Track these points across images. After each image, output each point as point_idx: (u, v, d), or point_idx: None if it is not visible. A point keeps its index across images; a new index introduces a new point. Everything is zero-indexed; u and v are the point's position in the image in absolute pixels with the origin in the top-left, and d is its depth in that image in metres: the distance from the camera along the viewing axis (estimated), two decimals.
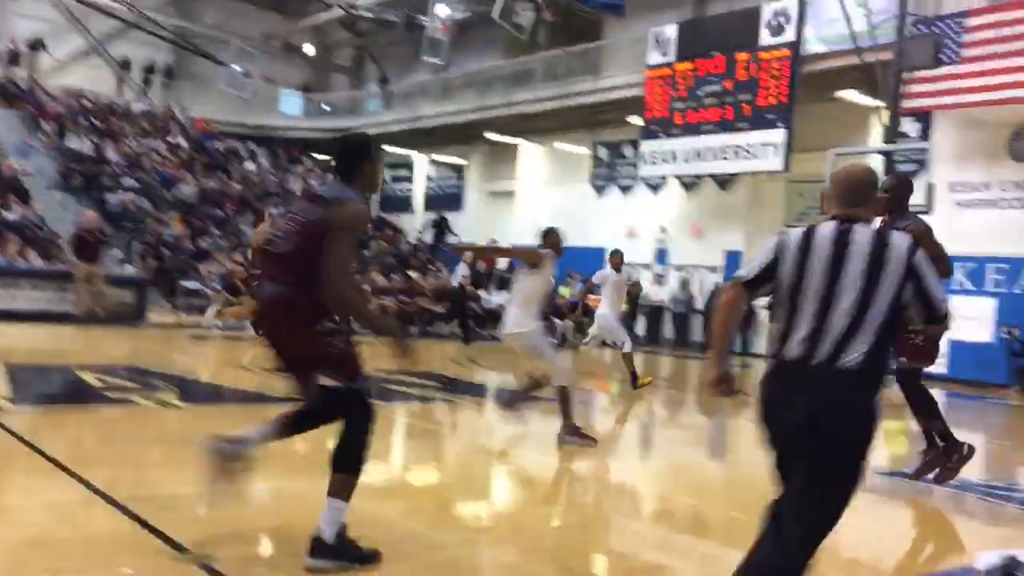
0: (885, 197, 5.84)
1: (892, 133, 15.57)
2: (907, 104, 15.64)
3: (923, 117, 17.08)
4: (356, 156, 3.91)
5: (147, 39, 27.65)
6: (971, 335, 16.49)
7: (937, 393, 15.14)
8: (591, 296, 12.46)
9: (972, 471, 8.04)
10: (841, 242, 2.88)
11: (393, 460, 6.73)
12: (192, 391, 8.99)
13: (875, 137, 17.24)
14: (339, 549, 3.60)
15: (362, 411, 3.73)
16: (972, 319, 16.41)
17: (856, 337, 2.79)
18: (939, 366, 17.03)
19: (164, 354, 12.76)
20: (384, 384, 10.46)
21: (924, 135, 17.02)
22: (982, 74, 14.99)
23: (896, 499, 6.42)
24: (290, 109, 32.61)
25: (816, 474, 2.82)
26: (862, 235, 2.89)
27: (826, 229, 2.95)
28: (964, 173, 16.73)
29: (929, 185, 14.52)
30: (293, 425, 3.93)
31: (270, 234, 3.87)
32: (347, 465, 3.67)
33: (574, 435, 6.97)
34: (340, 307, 3.70)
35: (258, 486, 5.12)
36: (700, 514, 5.58)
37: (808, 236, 2.95)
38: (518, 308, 7.12)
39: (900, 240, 2.89)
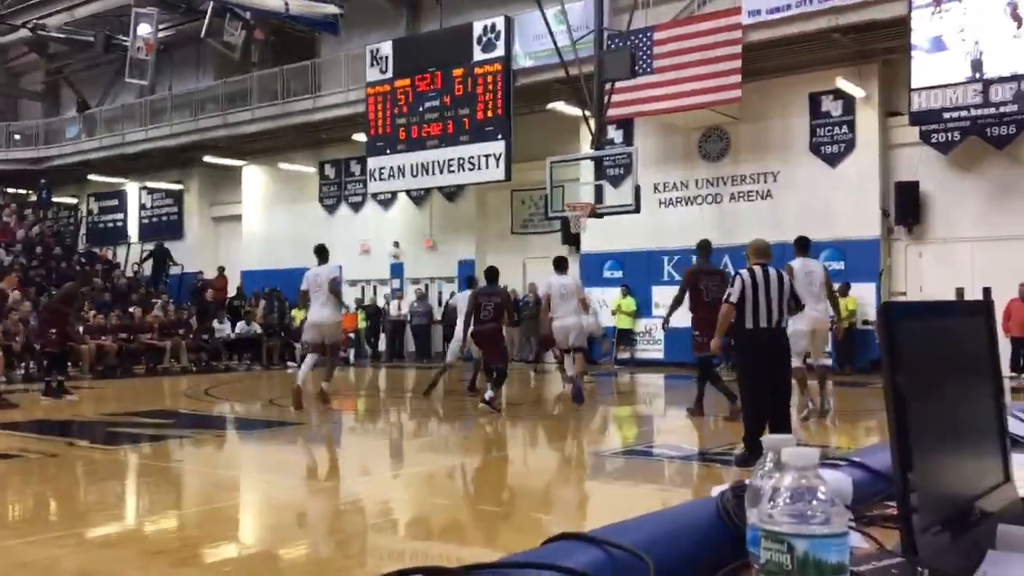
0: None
1: (599, 140, 16.69)
2: (611, 113, 16.84)
3: (626, 124, 18.50)
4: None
5: None
6: (682, 322, 18.01)
7: (656, 376, 16.48)
8: None
9: (694, 441, 8.81)
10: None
11: (129, 503, 6.25)
12: None
13: (586, 144, 18.41)
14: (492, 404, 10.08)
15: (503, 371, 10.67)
16: (682, 307, 17.94)
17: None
18: (656, 352, 18.58)
19: None
20: (111, 427, 9.72)
21: (628, 141, 18.43)
22: (672, 83, 16.48)
23: (632, 472, 6.89)
24: None
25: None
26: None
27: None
28: (665, 174, 18.30)
29: (636, 187, 15.73)
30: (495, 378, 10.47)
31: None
32: (499, 382, 10.37)
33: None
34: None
35: None
36: (454, 515, 5.67)
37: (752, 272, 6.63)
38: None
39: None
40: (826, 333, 9.43)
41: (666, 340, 18.56)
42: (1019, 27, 13.77)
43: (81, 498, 6.37)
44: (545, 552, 1.02)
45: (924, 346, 1.22)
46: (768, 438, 0.99)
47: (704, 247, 10.16)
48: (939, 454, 1.23)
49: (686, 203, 18.21)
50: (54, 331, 12.23)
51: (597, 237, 18.22)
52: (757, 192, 17.45)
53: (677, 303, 9.96)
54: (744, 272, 6.63)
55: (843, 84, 16.05)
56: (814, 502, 0.82)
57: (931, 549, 1.13)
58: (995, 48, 14.01)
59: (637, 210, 15.76)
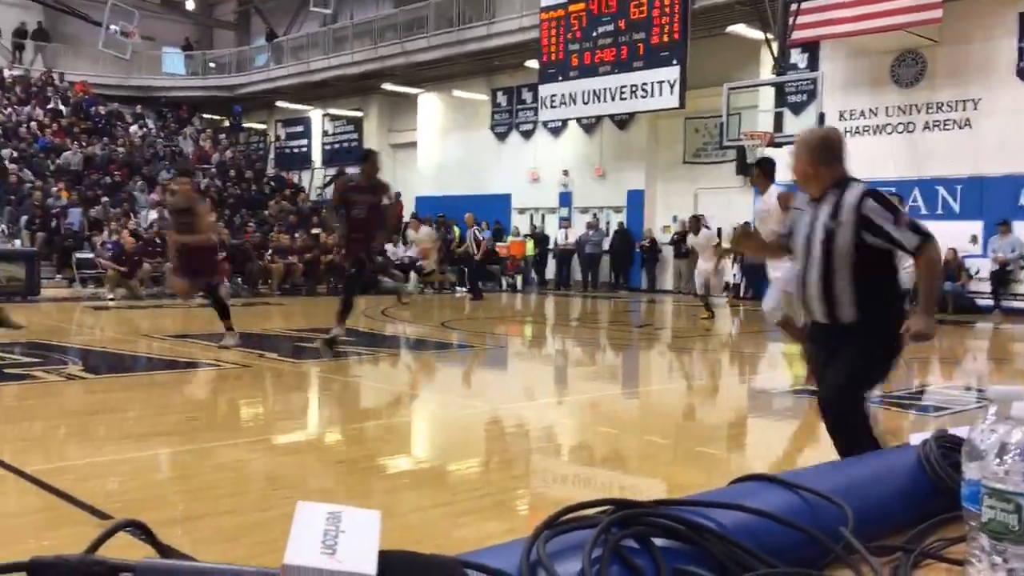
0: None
1: (782, 65, 15.89)
2: (795, 36, 15.97)
3: (811, 48, 17.50)
4: None
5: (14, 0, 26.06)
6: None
7: None
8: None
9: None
10: None
11: (312, 414, 6.67)
12: (96, 362, 8.68)
13: (766, 70, 17.60)
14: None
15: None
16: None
17: None
18: None
19: (62, 327, 12.26)
20: (297, 342, 10.33)
21: (812, 65, 17.45)
22: (864, 2, 15.40)
23: (803, 412, 6.69)
24: (173, 68, 31.33)
25: None
26: None
27: None
28: (852, 101, 17.26)
29: (820, 114, 14.94)
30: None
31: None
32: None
33: None
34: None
35: (172, 450, 5.01)
36: (619, 443, 5.70)
37: None
38: None
39: None
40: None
41: None
42: None
43: (271, 407, 6.84)
44: (734, 492, 0.99)
45: None
46: (994, 390, 0.92)
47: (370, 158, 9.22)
48: None
49: (874, 132, 17.14)
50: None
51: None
52: (954, 121, 16.18)
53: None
54: None
55: None
56: None
57: None
58: None
59: None
